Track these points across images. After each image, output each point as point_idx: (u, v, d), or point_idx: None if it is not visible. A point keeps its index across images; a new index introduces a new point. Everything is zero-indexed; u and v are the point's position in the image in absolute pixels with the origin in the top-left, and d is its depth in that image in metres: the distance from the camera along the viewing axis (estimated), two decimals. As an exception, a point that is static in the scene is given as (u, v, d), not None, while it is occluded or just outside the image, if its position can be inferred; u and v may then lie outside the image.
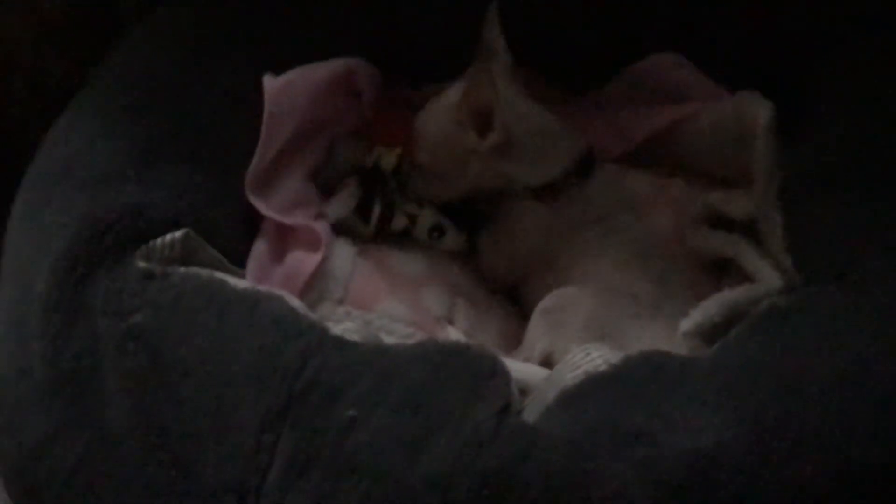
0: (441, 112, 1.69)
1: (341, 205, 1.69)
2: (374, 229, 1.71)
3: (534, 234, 1.71)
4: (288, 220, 1.61)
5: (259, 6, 1.77)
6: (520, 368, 1.43)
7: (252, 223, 1.62)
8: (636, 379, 1.30)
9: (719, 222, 1.70)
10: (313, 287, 1.57)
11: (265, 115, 1.62)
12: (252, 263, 1.56)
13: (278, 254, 1.60)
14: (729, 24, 1.81)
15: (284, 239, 1.63)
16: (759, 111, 1.64)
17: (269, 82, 1.65)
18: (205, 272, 1.40)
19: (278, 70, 1.68)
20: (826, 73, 1.69)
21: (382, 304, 1.59)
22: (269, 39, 1.73)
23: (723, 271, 1.70)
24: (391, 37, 1.83)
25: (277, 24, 1.75)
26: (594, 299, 1.57)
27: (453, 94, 1.68)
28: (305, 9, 1.78)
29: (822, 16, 1.74)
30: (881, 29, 1.67)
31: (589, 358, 1.35)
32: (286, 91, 1.66)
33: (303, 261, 1.58)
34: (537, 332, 1.56)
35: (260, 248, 1.59)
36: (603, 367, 1.32)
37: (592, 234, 1.68)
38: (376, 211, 1.70)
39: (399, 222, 1.72)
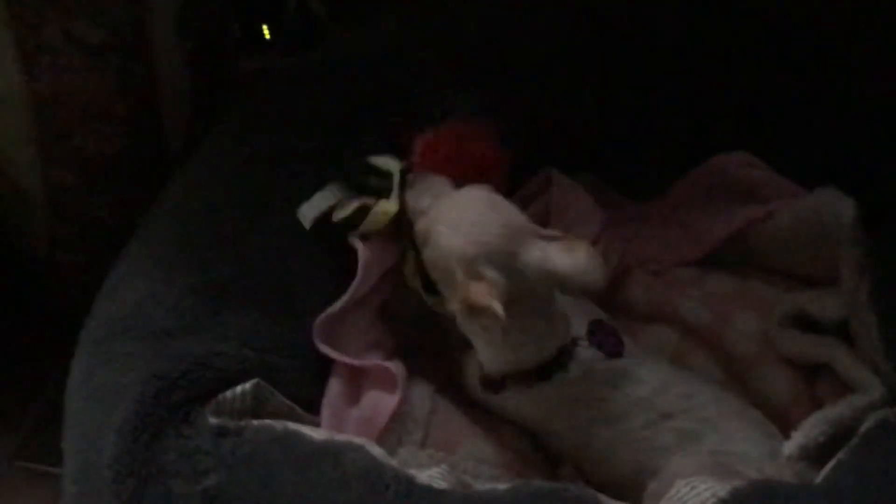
0: (464, 240, 1.41)
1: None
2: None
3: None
4: (360, 362, 1.54)
5: (312, 134, 1.71)
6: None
7: (321, 365, 1.54)
8: (750, 513, 1.21)
9: (808, 324, 1.63)
10: (392, 430, 1.49)
11: (360, 271, 1.56)
12: (326, 408, 1.49)
13: (353, 395, 1.54)
14: (799, 121, 1.76)
15: (358, 378, 1.56)
16: (841, 208, 1.58)
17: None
18: (279, 424, 1.34)
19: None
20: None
21: (466, 444, 1.51)
22: (327, 170, 1.67)
23: (816, 373, 1.62)
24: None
25: (335, 155, 1.69)
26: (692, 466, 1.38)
27: (491, 222, 1.42)
28: (361, 137, 1.73)
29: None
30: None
31: (695, 492, 1.26)
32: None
33: (380, 403, 1.51)
34: None
35: (334, 391, 1.52)
36: (712, 502, 1.24)
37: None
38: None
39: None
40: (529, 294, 1.41)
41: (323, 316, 1.53)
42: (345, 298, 1.54)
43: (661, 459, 1.43)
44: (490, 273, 1.37)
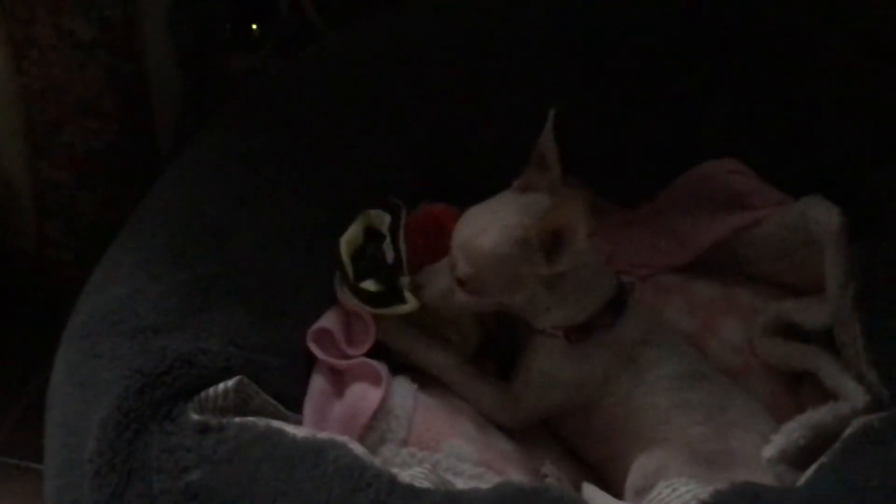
0: (498, 227, 1.51)
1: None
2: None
3: (568, 373, 1.58)
4: (346, 363, 1.55)
5: (300, 134, 1.72)
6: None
7: (305, 364, 1.55)
8: (730, 516, 1.21)
9: (792, 332, 1.63)
10: (375, 428, 1.49)
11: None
12: (308, 405, 1.49)
13: (336, 391, 1.54)
14: (786, 129, 1.77)
15: (342, 374, 1.56)
16: (827, 216, 1.58)
17: None
18: (261, 422, 1.34)
19: (328, 200, 1.64)
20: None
21: (448, 442, 1.50)
22: (315, 171, 1.68)
23: (800, 381, 1.64)
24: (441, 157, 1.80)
25: (323, 157, 1.70)
26: (677, 460, 1.43)
27: (505, 208, 1.54)
28: (349, 139, 1.73)
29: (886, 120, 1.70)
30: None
31: (676, 494, 1.27)
32: None
33: (364, 397, 1.51)
34: None
35: (316, 388, 1.52)
36: (692, 504, 1.24)
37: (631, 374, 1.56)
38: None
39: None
40: None
41: (316, 325, 1.56)
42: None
43: (662, 426, 1.49)
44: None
